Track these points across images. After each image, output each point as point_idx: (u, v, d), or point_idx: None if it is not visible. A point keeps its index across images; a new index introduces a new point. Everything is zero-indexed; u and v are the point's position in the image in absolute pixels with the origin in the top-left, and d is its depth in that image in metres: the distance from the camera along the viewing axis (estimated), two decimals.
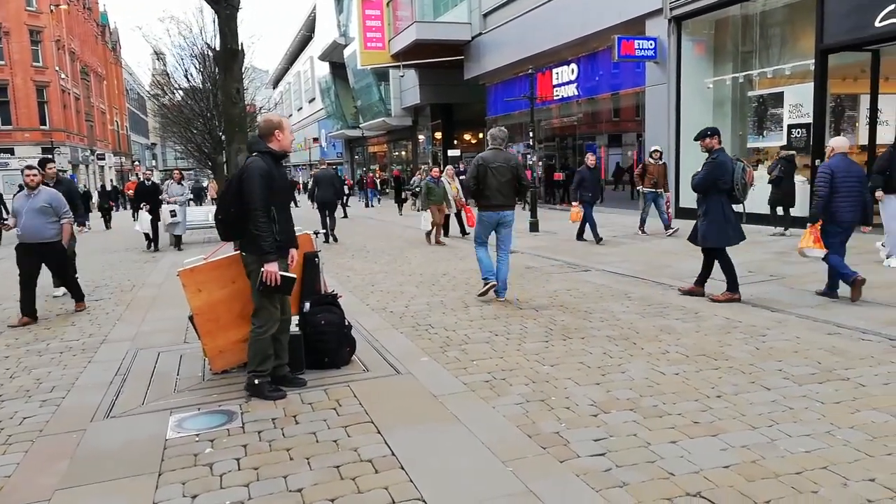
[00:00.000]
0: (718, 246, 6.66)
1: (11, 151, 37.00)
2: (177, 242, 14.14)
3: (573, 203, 11.93)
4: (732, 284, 6.65)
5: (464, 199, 13.07)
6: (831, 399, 3.87)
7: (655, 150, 12.55)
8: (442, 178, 13.17)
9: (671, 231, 12.01)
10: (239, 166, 4.69)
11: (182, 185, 14.69)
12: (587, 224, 11.61)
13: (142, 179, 15.24)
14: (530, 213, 14.10)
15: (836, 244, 6.39)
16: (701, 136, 6.78)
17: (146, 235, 14.06)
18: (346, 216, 21.62)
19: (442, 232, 12.99)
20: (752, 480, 2.92)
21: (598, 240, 11.42)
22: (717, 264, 6.81)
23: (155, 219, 13.86)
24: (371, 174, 33.65)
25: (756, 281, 7.43)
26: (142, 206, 13.94)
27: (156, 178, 71.54)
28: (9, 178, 35.14)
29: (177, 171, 15.30)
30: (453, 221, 14.05)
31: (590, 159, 11.88)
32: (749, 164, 7.14)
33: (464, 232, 13.75)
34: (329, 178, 14.96)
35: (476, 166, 6.99)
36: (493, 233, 7.14)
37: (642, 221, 12.44)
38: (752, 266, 8.28)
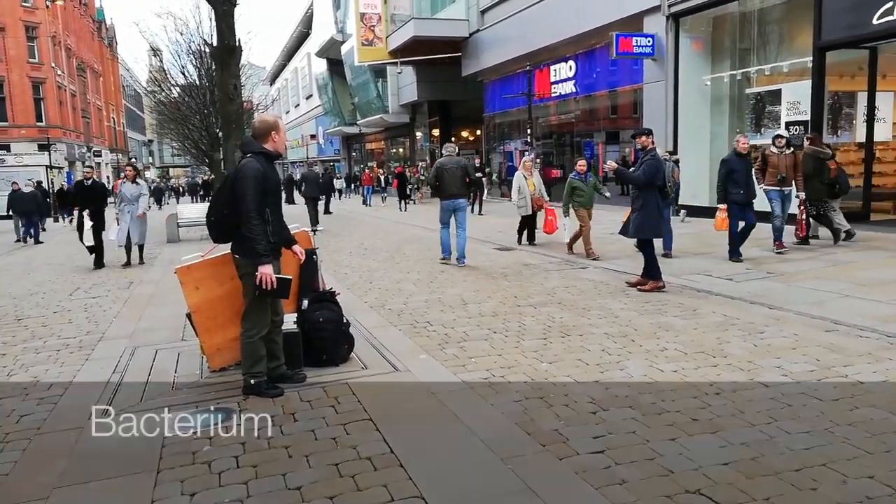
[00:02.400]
0: (652, 237, 7.16)
1: (7, 148, 36.80)
2: (139, 254, 11.32)
3: (719, 207, 8.68)
4: (656, 273, 7.15)
5: (546, 198, 10.99)
6: (830, 396, 3.88)
7: (779, 137, 9.28)
8: (518, 173, 11.02)
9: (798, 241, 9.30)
10: (235, 163, 4.65)
11: (138, 183, 11.24)
12: (741, 233, 8.58)
13: (81, 178, 11.54)
14: None
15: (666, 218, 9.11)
16: (639, 134, 7.35)
17: (89, 249, 10.91)
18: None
19: (592, 242, 9.58)
20: (751, 478, 2.92)
21: (736, 256, 8.48)
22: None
23: (98, 226, 10.82)
24: (368, 171, 32.49)
25: (754, 278, 7.43)
26: (78, 211, 11.02)
27: (152, 174, 71.02)
28: (4, 175, 34.99)
29: (129, 168, 11.65)
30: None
31: (741, 143, 8.65)
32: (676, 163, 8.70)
33: (532, 239, 11.28)
34: (314, 177, 19.11)
35: (436, 169, 9.61)
36: (453, 217, 9.51)
37: (777, 231, 9.02)
38: (749, 263, 8.28)
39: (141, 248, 11.40)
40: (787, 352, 4.77)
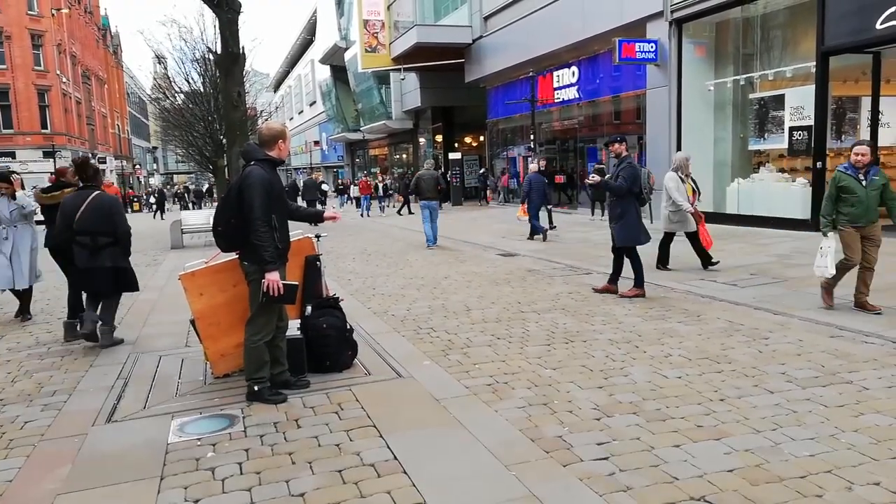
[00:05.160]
0: (636, 244, 7.17)
1: (13, 155, 37.04)
2: (21, 306, 7.39)
3: None
4: (640, 280, 7.20)
5: (699, 209, 8.34)
6: (835, 402, 3.86)
7: None
8: (673, 174, 8.34)
9: None
10: (239, 170, 4.66)
11: (26, 195, 7.68)
12: None
13: None
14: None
15: (535, 212, 12.87)
16: (612, 142, 7.41)
17: None
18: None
19: (866, 288, 6.06)
20: (756, 484, 2.91)
21: None
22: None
23: None
24: (364, 178, 29.35)
25: (758, 283, 7.41)
26: None
27: (156, 181, 71.25)
28: None
29: (15, 177, 7.27)
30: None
31: None
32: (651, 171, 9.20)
33: (707, 261, 8.38)
34: (313, 184, 23.31)
35: (416, 178, 13.54)
36: (429, 214, 12.84)
37: None
38: (753, 269, 8.27)
39: (27, 294, 7.37)
40: (792, 358, 4.76)
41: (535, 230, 12.88)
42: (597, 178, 7.46)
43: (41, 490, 3.17)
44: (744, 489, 2.87)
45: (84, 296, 6.11)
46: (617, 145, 7.31)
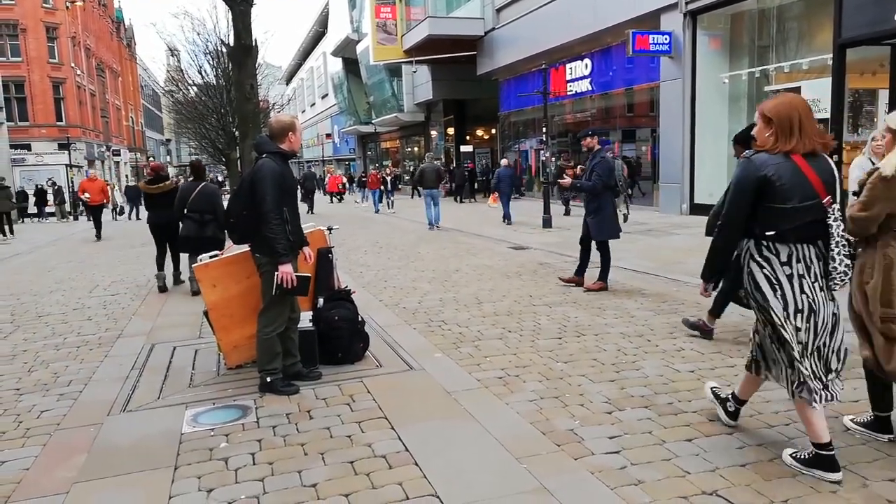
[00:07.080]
0: (611, 238, 7.26)
1: (28, 147, 37.34)
2: None
3: None
4: (605, 274, 7.29)
5: None
6: (848, 397, 3.82)
7: None
8: (864, 160, 5.64)
9: None
10: (251, 163, 4.69)
11: None
12: None
13: None
14: (543, 209, 14.04)
15: (505, 202, 15.18)
16: (584, 136, 7.34)
17: None
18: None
19: None
20: (768, 479, 2.90)
21: None
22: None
23: None
24: (374, 171, 28.06)
25: None
26: None
27: (170, 173, 71.99)
28: (26, 174, 35.50)
29: None
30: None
31: None
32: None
33: None
34: (311, 176, 26.77)
35: (420, 170, 15.99)
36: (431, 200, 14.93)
37: None
38: None
39: None
40: None
41: (507, 216, 15.16)
42: (567, 180, 7.42)
43: (57, 478, 3.21)
44: (756, 484, 2.86)
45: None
46: (589, 139, 7.26)
